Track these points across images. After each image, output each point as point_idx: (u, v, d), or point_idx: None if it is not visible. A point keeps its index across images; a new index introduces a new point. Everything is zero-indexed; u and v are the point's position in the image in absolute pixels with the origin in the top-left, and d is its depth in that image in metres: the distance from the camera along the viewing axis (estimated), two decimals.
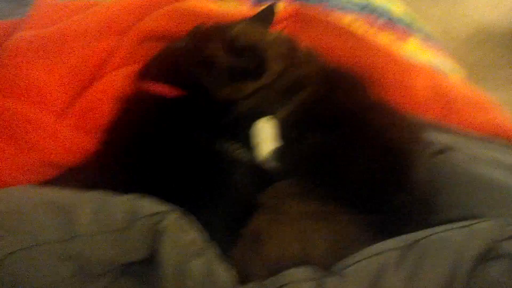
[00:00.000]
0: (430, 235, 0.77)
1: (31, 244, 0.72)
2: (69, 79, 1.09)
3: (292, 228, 0.85)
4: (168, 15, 1.26)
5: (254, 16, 1.21)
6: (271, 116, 1.01)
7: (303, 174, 0.94)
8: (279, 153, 0.99)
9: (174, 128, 0.99)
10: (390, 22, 1.66)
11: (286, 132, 1.00)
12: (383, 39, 1.50)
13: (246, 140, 1.00)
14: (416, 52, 1.51)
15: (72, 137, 1.02)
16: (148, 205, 0.80)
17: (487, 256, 0.73)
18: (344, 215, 0.86)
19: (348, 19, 1.53)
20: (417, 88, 1.23)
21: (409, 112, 1.15)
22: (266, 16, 1.21)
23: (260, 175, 0.97)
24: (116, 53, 1.18)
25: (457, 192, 0.93)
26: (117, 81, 1.12)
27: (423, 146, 1.00)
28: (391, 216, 0.87)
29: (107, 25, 1.21)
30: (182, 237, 0.77)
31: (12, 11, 1.54)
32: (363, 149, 0.95)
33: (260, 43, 1.07)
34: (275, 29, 1.30)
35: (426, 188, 0.93)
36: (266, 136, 1.00)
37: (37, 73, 1.04)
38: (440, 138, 1.09)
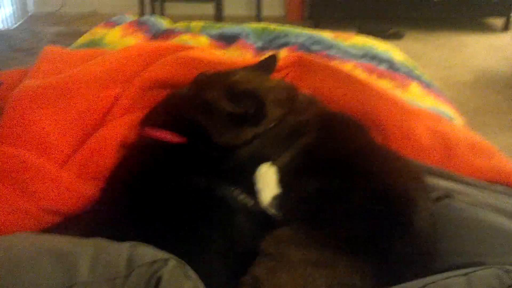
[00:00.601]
0: (431, 283, 0.76)
1: None
2: (73, 127, 1.11)
3: (292, 276, 0.84)
4: (173, 63, 1.30)
5: (256, 64, 1.24)
6: (272, 162, 1.02)
7: (302, 220, 0.93)
8: (280, 199, 0.99)
9: (175, 174, 1.00)
10: (390, 69, 1.69)
11: (286, 178, 1.01)
12: (384, 85, 1.53)
13: (247, 186, 1.00)
14: (417, 98, 1.53)
15: (73, 184, 1.03)
16: (147, 253, 0.80)
17: None
18: (345, 262, 0.85)
19: (348, 67, 1.56)
20: (418, 133, 1.24)
21: (411, 157, 1.15)
22: (268, 64, 1.24)
23: (262, 221, 0.96)
24: (120, 101, 1.21)
25: (459, 238, 0.92)
26: (120, 129, 1.14)
27: (425, 191, 1.00)
28: (392, 263, 0.86)
29: (112, 73, 1.24)
30: (180, 286, 0.76)
31: (21, 60, 1.59)
32: (363, 195, 0.95)
33: (259, 89, 1.09)
34: (277, 76, 1.32)
35: (428, 235, 0.92)
36: (267, 182, 1.01)
37: (41, 121, 1.06)
38: (441, 184, 1.09)
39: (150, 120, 1.13)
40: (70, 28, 2.21)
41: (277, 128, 1.09)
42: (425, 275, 0.81)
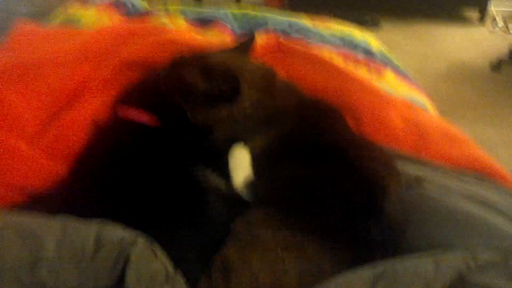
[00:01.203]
0: (399, 263, 0.77)
1: None
2: (43, 104, 1.08)
3: (263, 257, 0.84)
4: (150, 44, 1.28)
5: (235, 46, 1.23)
6: (244, 143, 1.02)
7: (276, 203, 0.93)
8: (253, 181, 0.99)
9: (148, 155, 0.99)
10: (367, 56, 1.70)
11: (261, 162, 1.00)
12: (360, 72, 1.53)
13: (221, 168, 0.99)
14: (392, 86, 1.54)
15: (42, 162, 1.01)
16: (114, 232, 0.78)
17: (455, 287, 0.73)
18: (316, 244, 0.85)
19: (326, 53, 1.56)
20: (392, 120, 1.25)
21: (384, 143, 1.16)
22: (246, 46, 1.23)
23: (234, 204, 0.96)
24: (93, 80, 1.18)
25: (428, 222, 0.93)
26: (92, 108, 1.12)
27: (397, 178, 1.01)
28: (362, 247, 0.87)
29: (86, 52, 1.22)
30: (148, 265, 0.76)
31: None
32: (337, 179, 0.95)
33: (235, 68, 1.08)
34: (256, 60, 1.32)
35: (398, 218, 0.93)
36: (239, 163, 1.00)
37: (10, 97, 1.04)
38: (413, 170, 1.10)
39: (125, 100, 1.11)
40: (43, 8, 2.15)
41: (254, 112, 1.08)
42: (394, 256, 0.83)
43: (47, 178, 1.01)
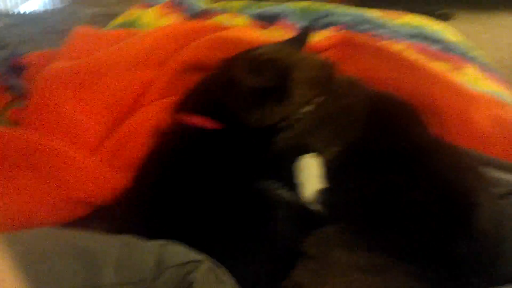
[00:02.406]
0: None
1: None
2: (102, 113, 1.05)
3: (338, 282, 0.76)
4: (208, 44, 1.21)
5: (288, 39, 1.14)
6: (316, 153, 0.93)
7: (350, 220, 0.84)
8: (324, 194, 0.90)
9: (211, 164, 0.92)
10: (444, 50, 1.56)
11: (332, 172, 0.91)
12: (438, 67, 1.40)
13: (286, 179, 0.91)
14: (474, 81, 1.40)
15: (103, 174, 0.97)
16: (178, 254, 0.73)
17: None
18: (397, 268, 0.76)
19: (398, 48, 1.44)
20: (478, 120, 1.12)
21: (470, 147, 1.05)
22: (300, 39, 1.14)
23: (304, 218, 0.88)
24: (153, 85, 1.14)
25: None
26: (153, 115, 1.07)
27: (488, 188, 0.89)
28: (452, 269, 0.76)
29: (145, 55, 1.17)
30: None
31: (55, 42, 1.53)
32: (419, 192, 0.84)
33: (284, 60, 0.99)
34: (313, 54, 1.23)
35: (491, 236, 0.81)
36: (310, 174, 0.92)
37: (70, 106, 1.00)
38: (506, 178, 0.97)
39: (183, 105, 1.05)
40: (107, 9, 2.15)
41: (316, 114, 0.98)
42: (489, 281, 0.73)
43: (108, 190, 0.96)
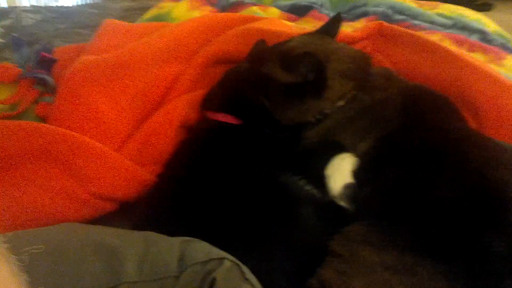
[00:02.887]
0: None
1: None
2: (130, 107, 1.03)
3: (366, 282, 0.72)
4: (236, 36, 1.19)
5: (318, 29, 1.10)
6: (350, 153, 0.90)
7: (378, 216, 0.80)
8: (353, 190, 0.87)
9: (237, 161, 0.90)
10: (483, 41, 1.50)
11: (363, 166, 0.88)
12: (476, 59, 1.34)
13: (313, 175, 0.88)
14: None
15: (130, 169, 0.96)
16: (200, 251, 0.71)
17: None
18: (429, 268, 0.72)
19: (435, 38, 1.39)
20: None
21: (508, 141, 0.99)
22: (330, 28, 1.09)
23: (331, 214, 0.85)
24: (182, 78, 1.12)
25: None
26: (181, 109, 1.05)
27: None
28: (486, 268, 0.72)
29: (173, 48, 1.15)
30: None
31: (86, 36, 1.54)
32: (453, 188, 0.80)
33: (317, 52, 0.95)
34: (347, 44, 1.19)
35: None
36: (339, 169, 0.89)
37: (97, 101, 1.00)
38: None
39: (210, 102, 1.04)
40: (139, 3, 2.16)
41: (349, 109, 0.95)
42: None
43: (134, 186, 0.96)
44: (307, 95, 0.93)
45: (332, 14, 1.70)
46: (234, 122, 0.94)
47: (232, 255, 0.72)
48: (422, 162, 0.85)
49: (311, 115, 0.94)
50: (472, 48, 1.44)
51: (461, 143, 0.89)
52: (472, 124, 1.06)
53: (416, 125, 0.93)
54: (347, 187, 0.87)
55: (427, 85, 1.06)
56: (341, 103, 0.96)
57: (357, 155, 0.90)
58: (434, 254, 0.73)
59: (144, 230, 0.78)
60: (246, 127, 0.94)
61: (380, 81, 1.00)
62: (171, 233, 0.76)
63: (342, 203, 0.85)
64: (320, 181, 0.87)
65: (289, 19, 1.68)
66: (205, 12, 1.75)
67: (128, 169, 0.96)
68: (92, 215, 0.92)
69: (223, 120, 0.95)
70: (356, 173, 0.87)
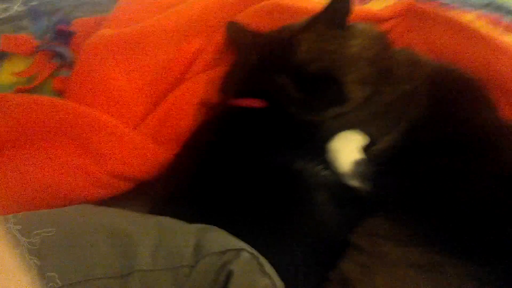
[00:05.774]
0: None
1: (84, 279, 0.63)
2: (149, 84, 1.00)
3: (389, 278, 0.70)
4: (262, 12, 1.14)
5: (322, 13, 0.95)
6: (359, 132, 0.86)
7: (402, 210, 0.77)
8: (365, 167, 0.83)
9: (255, 145, 0.86)
10: None
11: (387, 157, 0.84)
12: (510, 41, 1.28)
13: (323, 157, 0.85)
14: None
15: (148, 148, 0.93)
16: (217, 240, 0.69)
17: None
18: (454, 267, 0.69)
19: (468, 18, 1.32)
20: None
21: None
22: (336, 11, 0.94)
23: (347, 199, 0.81)
24: (202, 55, 1.08)
25: None
26: (201, 86, 1.02)
27: None
28: None
29: (194, 24, 1.11)
30: (254, 282, 0.65)
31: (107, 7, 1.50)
32: (484, 182, 0.76)
33: (335, 66, 0.89)
34: (383, 28, 1.13)
35: None
36: (345, 144, 0.85)
37: (114, 77, 0.96)
38: None
39: (228, 83, 1.01)
40: None
41: (371, 105, 0.90)
42: None
43: (151, 165, 0.93)
44: (325, 107, 0.89)
45: None
46: (256, 105, 0.90)
47: (248, 244, 0.69)
48: (450, 156, 0.81)
49: (330, 117, 0.90)
50: (507, 29, 1.37)
51: (492, 134, 0.85)
52: (506, 112, 1.00)
53: (445, 115, 0.88)
54: (358, 163, 0.83)
55: (460, 66, 1.01)
56: (361, 102, 0.91)
57: (380, 148, 0.85)
58: (462, 254, 0.70)
59: (160, 214, 0.76)
60: (268, 110, 0.90)
61: (404, 70, 0.95)
62: (187, 219, 0.74)
63: (354, 182, 0.81)
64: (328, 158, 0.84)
65: None
66: None
67: (145, 147, 0.93)
68: (107, 194, 0.90)
69: (244, 105, 0.92)
70: (380, 165, 0.83)
